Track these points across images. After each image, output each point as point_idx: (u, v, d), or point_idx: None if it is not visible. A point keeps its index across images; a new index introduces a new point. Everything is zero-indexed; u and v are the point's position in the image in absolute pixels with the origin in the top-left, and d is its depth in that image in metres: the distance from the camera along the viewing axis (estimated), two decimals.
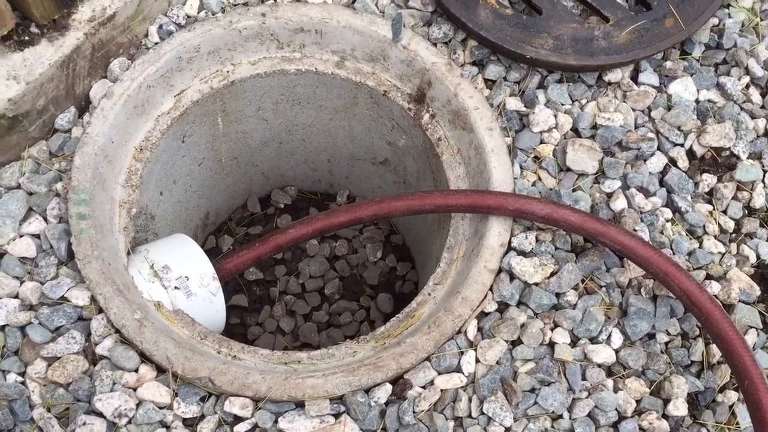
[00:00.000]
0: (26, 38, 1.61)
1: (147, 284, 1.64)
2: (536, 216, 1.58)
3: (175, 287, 1.66)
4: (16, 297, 1.54)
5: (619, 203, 1.66)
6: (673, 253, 1.64)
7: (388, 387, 1.50)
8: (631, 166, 1.71)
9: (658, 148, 1.74)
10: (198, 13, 1.84)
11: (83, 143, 1.65)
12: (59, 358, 1.49)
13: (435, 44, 1.86)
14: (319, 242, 2.42)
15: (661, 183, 1.72)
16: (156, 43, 1.79)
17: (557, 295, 1.58)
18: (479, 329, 1.56)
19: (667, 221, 1.68)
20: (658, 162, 1.72)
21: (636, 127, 1.77)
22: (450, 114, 1.82)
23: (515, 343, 1.55)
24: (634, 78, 1.83)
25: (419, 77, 1.85)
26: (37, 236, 1.60)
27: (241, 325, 2.30)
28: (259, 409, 1.47)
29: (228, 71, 1.87)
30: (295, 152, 2.31)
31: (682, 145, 1.74)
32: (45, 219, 1.62)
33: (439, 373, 1.52)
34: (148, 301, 1.61)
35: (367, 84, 1.90)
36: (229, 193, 2.36)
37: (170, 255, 1.71)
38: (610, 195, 1.69)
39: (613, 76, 1.81)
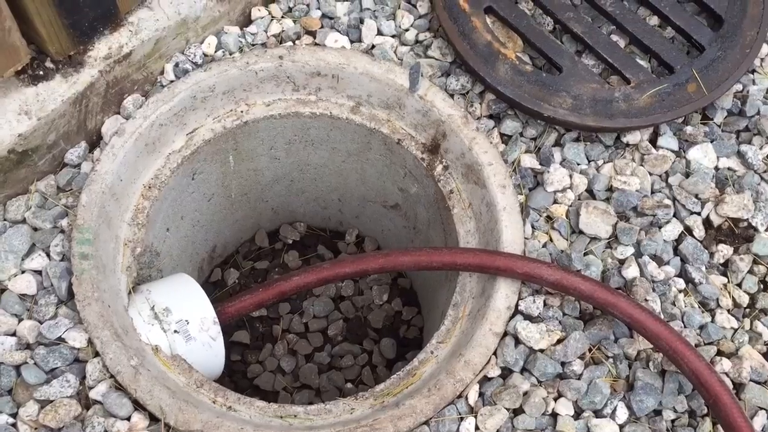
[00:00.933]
0: (40, 73, 1.60)
1: (146, 327, 1.62)
2: (545, 281, 1.55)
3: (175, 331, 1.63)
4: (14, 335, 1.52)
5: (632, 271, 1.62)
6: (684, 326, 1.60)
7: None
8: (645, 233, 1.68)
9: (674, 216, 1.70)
10: (215, 52, 1.83)
11: (91, 181, 1.63)
12: (52, 401, 1.46)
13: (452, 95, 1.83)
14: None
15: (676, 252, 1.68)
16: (171, 81, 1.78)
17: (563, 363, 1.54)
18: (481, 395, 1.52)
19: (680, 292, 1.64)
20: (673, 230, 1.68)
21: (652, 192, 1.73)
22: (463, 167, 1.80)
23: (517, 412, 1.51)
24: (653, 141, 1.79)
25: (434, 128, 1.82)
26: (39, 272, 1.58)
27: (242, 362, 2.27)
28: None
29: (242, 111, 1.86)
30: (306, 190, 2.29)
31: (699, 214, 1.70)
32: (48, 255, 1.60)
33: None
34: (146, 344, 1.59)
35: (381, 131, 1.88)
36: (237, 227, 2.34)
37: (171, 297, 1.68)
38: (622, 262, 1.65)
39: (631, 137, 1.78)
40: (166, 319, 1.64)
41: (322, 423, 1.54)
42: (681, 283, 1.65)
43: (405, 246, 2.30)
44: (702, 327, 1.61)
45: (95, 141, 1.74)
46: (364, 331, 2.32)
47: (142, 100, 1.75)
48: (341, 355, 2.27)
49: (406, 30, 1.90)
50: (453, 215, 1.80)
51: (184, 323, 1.65)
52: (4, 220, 1.63)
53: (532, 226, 1.70)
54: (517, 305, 1.60)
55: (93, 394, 1.47)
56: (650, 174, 1.75)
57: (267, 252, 2.45)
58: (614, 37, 1.86)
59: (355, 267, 1.70)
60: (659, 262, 1.66)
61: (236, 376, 2.25)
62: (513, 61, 1.76)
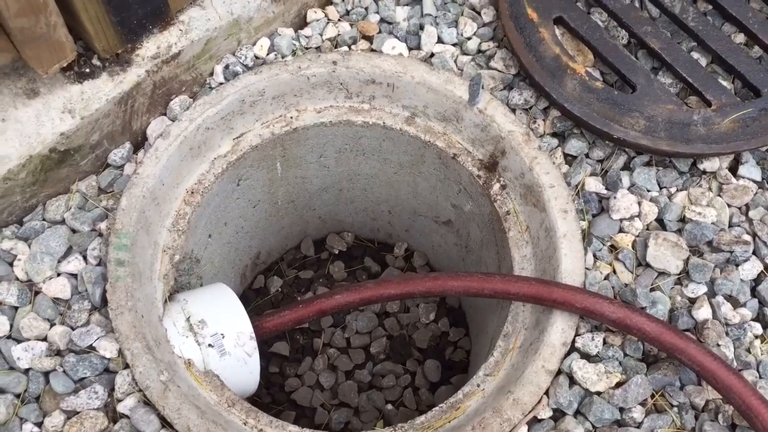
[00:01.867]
0: (86, 70, 1.55)
1: (180, 338, 1.55)
2: (607, 319, 1.42)
3: (209, 345, 1.56)
4: (45, 340, 1.47)
5: (703, 312, 1.48)
6: (760, 377, 1.45)
7: None
8: (720, 271, 1.53)
9: (754, 253, 1.55)
10: (267, 55, 1.75)
11: (132, 184, 1.57)
12: (78, 413, 1.40)
13: (514, 110, 1.72)
14: None
15: (753, 293, 1.53)
16: (220, 83, 1.71)
17: (621, 409, 1.41)
18: None
19: (756, 338, 1.49)
20: (752, 269, 1.53)
21: (730, 226, 1.59)
22: (522, 188, 1.68)
23: None
24: (734, 170, 1.64)
25: (493, 144, 1.71)
26: (75, 276, 1.53)
27: (280, 374, 2.19)
28: None
29: (292, 117, 1.78)
30: (355, 200, 2.20)
31: None
32: (85, 259, 1.55)
33: None
34: (179, 357, 1.52)
35: (436, 144, 1.78)
36: (283, 234, 2.27)
37: (208, 308, 1.61)
38: (693, 301, 1.51)
39: (709, 165, 1.63)
40: (201, 332, 1.57)
41: None
42: (758, 328, 1.50)
43: (456, 264, 2.19)
44: None
45: (140, 142, 1.68)
46: (408, 351, 2.21)
47: (189, 102, 1.69)
48: (383, 375, 2.17)
49: (469, 39, 1.79)
50: (509, 238, 1.68)
51: (220, 337, 1.58)
52: (43, 220, 1.58)
53: (594, 256, 1.57)
54: (573, 341, 1.48)
55: (121, 408, 1.41)
56: (729, 206, 1.60)
57: (312, 261, 2.38)
58: (695, 55, 1.71)
59: (400, 289, 1.60)
60: (735, 303, 1.51)
61: (273, 389, 2.17)
62: (582, 77, 1.64)
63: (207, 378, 1.51)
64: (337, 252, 2.37)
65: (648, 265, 1.55)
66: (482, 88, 1.72)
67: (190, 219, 1.67)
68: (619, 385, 1.43)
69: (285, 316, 1.68)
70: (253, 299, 2.31)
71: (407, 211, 2.18)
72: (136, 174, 1.58)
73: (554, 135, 1.70)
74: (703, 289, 1.51)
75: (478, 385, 1.53)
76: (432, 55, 1.78)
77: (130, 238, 1.53)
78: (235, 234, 2.01)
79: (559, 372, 1.46)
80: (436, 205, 2.05)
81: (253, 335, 1.62)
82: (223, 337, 1.58)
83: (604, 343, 1.48)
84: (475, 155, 1.76)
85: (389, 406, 2.12)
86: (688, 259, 1.54)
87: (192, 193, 1.69)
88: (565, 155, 1.68)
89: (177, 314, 1.59)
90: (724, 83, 1.67)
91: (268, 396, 2.16)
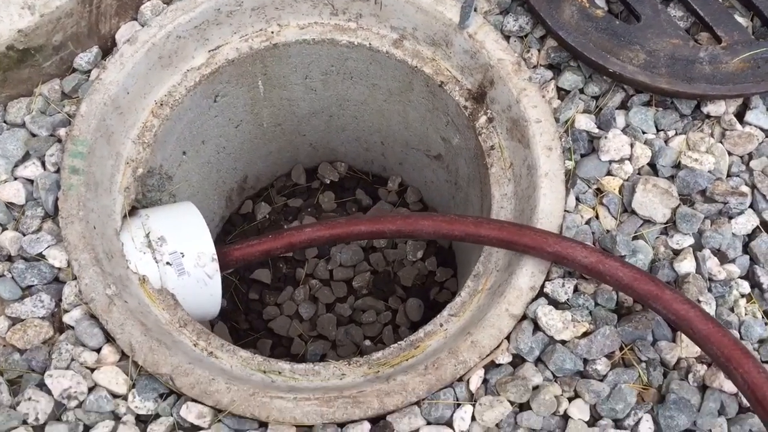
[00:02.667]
0: None
1: (137, 254, 1.50)
2: (578, 264, 1.33)
3: (167, 262, 1.51)
4: None
5: (686, 265, 1.37)
6: (741, 338, 1.35)
7: (366, 426, 1.30)
8: (711, 223, 1.42)
9: (751, 206, 1.43)
10: None
11: (94, 90, 1.50)
12: (23, 320, 1.37)
13: (508, 37, 1.59)
14: None
15: (745, 249, 1.42)
16: None
17: (585, 360, 1.33)
18: (484, 382, 1.33)
19: (742, 296, 1.38)
20: (746, 223, 1.42)
21: (728, 176, 1.46)
22: (508, 122, 1.57)
23: (523, 407, 1.31)
24: (740, 115, 1.51)
25: (482, 73, 1.59)
26: (31, 182, 1.48)
27: (259, 302, 2.15)
28: (218, 421, 1.30)
29: (273, 32, 1.68)
30: (347, 128, 2.11)
31: None
32: (43, 165, 1.49)
33: (428, 423, 1.31)
34: (133, 272, 1.47)
35: (423, 71, 1.67)
36: (271, 159, 2.19)
37: (170, 226, 1.55)
38: (677, 252, 1.41)
39: (713, 108, 1.50)
40: (159, 249, 1.51)
41: (306, 385, 1.39)
42: (745, 287, 1.39)
43: (447, 202, 2.10)
44: (762, 341, 1.36)
45: (109, 48, 1.60)
46: (391, 288, 2.15)
47: (162, 7, 1.60)
48: (364, 310, 2.12)
49: None
50: (490, 174, 1.58)
51: (179, 255, 1.52)
52: (4, 122, 1.52)
53: (577, 199, 1.47)
54: (543, 286, 1.39)
55: (67, 319, 1.37)
56: (729, 153, 1.47)
57: (302, 190, 2.30)
58: None
59: (370, 227, 1.52)
60: (723, 258, 1.40)
61: (252, 316, 2.13)
62: (582, 3, 1.50)
63: (161, 296, 1.46)
64: (328, 182, 2.29)
65: (633, 212, 1.44)
66: (475, 10, 1.59)
67: (158, 132, 1.60)
68: (585, 335, 1.34)
69: (254, 247, 1.61)
70: (239, 224, 2.25)
71: (399, 143, 2.08)
72: (98, 80, 1.51)
73: (549, 67, 1.58)
74: (690, 240, 1.40)
75: (441, 325, 1.45)
76: None
77: (87, 146, 1.46)
78: (215, 154, 1.93)
79: (523, 317, 1.37)
80: (427, 137, 1.94)
81: (215, 257, 1.56)
82: (183, 256, 1.52)
83: (575, 290, 1.38)
84: (464, 84, 1.65)
85: (367, 342, 2.07)
86: (677, 208, 1.42)
87: (161, 105, 1.61)
88: (559, 89, 1.56)
89: (136, 229, 1.54)
90: (741, 20, 1.52)
91: (246, 322, 2.12)
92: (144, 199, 1.68)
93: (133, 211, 1.58)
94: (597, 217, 1.46)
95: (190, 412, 1.30)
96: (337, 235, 1.56)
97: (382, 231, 1.52)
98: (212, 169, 1.97)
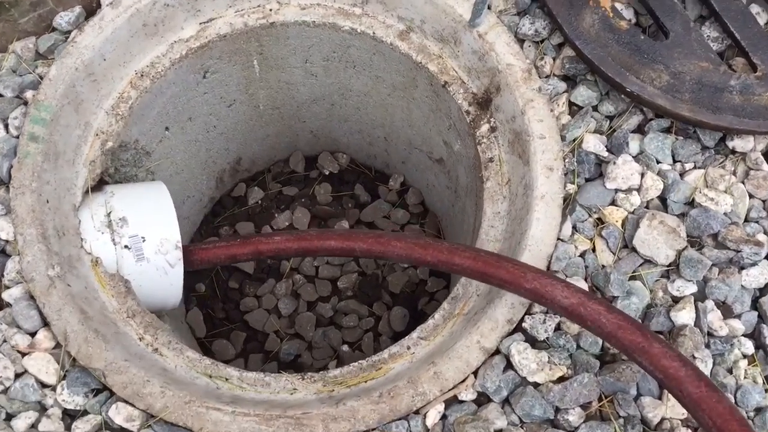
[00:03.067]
0: None
1: (94, 233, 1.40)
2: (557, 305, 1.18)
3: (126, 246, 1.40)
4: None
5: (685, 315, 1.23)
6: (735, 403, 1.20)
7: None
8: (719, 271, 1.27)
9: (766, 258, 1.28)
10: None
11: (67, 53, 1.40)
12: None
13: (522, 41, 1.45)
14: (353, 226, 2.11)
15: (754, 305, 1.27)
16: None
17: (557, 408, 1.19)
18: (443, 418, 1.21)
19: (744, 357, 1.24)
20: (759, 276, 1.26)
21: (746, 221, 1.31)
22: (511, 134, 1.43)
23: None
24: None
25: (489, 77, 1.46)
26: None
27: (239, 291, 2.05)
28: (148, 426, 1.20)
29: (271, 10, 1.56)
30: (349, 119, 1.98)
31: None
32: (6, 128, 1.39)
33: None
34: (87, 253, 1.37)
35: (428, 67, 1.53)
36: (269, 143, 2.08)
37: (135, 206, 1.45)
38: (676, 300, 1.26)
39: (741, 143, 1.34)
40: (119, 230, 1.41)
41: (252, 397, 1.28)
42: (749, 347, 1.24)
43: (447, 209, 1.97)
44: (759, 410, 1.21)
45: (94, 9, 1.49)
46: (378, 293, 2.02)
47: None
48: (346, 313, 2.00)
49: None
50: (485, 189, 1.45)
51: (139, 240, 1.41)
52: None
53: (574, 227, 1.33)
54: (521, 320, 1.26)
55: (6, 296, 1.28)
56: (750, 196, 1.32)
57: (300, 178, 2.18)
58: (754, 9, 1.40)
59: (341, 243, 1.41)
60: (727, 312, 1.25)
61: (229, 305, 2.03)
62: (606, 12, 1.35)
63: (112, 281, 1.36)
64: (327, 173, 2.17)
65: (634, 250, 1.29)
66: (489, 8, 1.45)
67: (135, 104, 1.49)
68: (561, 380, 1.21)
69: (219, 249, 1.50)
70: (230, 207, 2.14)
71: (403, 140, 1.95)
72: (73, 42, 1.41)
73: (564, 78, 1.43)
74: (692, 288, 1.26)
75: (409, 348, 1.33)
76: None
77: (52, 113, 1.36)
78: (204, 132, 1.82)
79: (496, 352, 1.24)
80: (430, 138, 1.81)
81: (180, 245, 1.45)
82: (144, 241, 1.42)
83: (557, 328, 1.25)
84: (469, 87, 1.51)
85: (345, 347, 1.96)
86: (683, 250, 1.27)
87: (141, 75, 1.50)
88: (570, 104, 1.42)
89: (98, 206, 1.43)
90: None
91: (223, 311, 2.02)
92: (117, 173, 1.58)
93: (99, 187, 1.47)
94: (593, 250, 1.31)
95: (119, 414, 1.20)
96: (306, 248, 1.45)
97: (351, 248, 1.41)
98: (200, 148, 1.86)
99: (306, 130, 2.06)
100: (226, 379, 1.30)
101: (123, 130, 1.48)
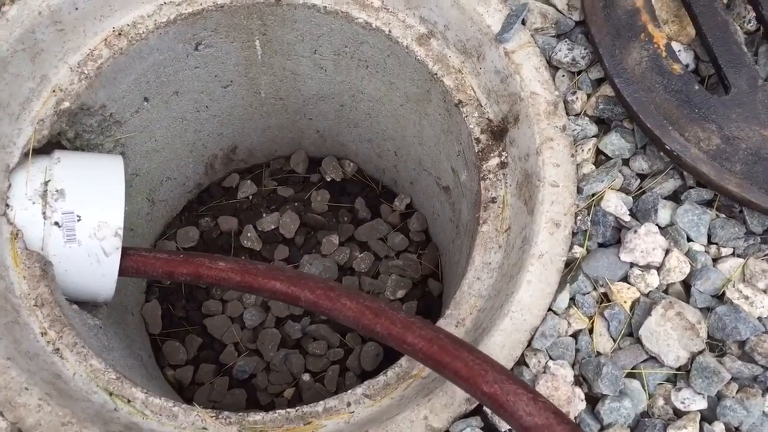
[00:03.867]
0: None
1: (24, 201, 1.21)
2: (516, 422, 0.93)
3: (56, 222, 1.22)
4: None
5: None
6: None
7: None
8: (738, 389, 1.02)
9: None
10: None
11: None
12: None
13: (556, 68, 1.23)
14: (343, 243, 1.89)
15: None
16: None
17: None
18: None
19: None
20: None
21: None
22: (521, 174, 1.20)
23: None
24: None
25: (509, 104, 1.23)
26: None
27: (205, 291, 1.85)
28: None
29: None
30: (359, 125, 1.77)
31: None
32: None
33: None
34: (8, 223, 1.19)
35: (443, 81, 1.32)
36: (269, 135, 1.88)
37: (78, 179, 1.26)
38: (679, 414, 1.02)
39: None
40: (53, 203, 1.22)
41: (153, 428, 1.08)
42: None
43: (448, 243, 1.74)
44: None
45: None
46: None
47: None
48: (315, 338, 1.78)
49: None
50: (479, 233, 1.22)
51: (74, 218, 1.23)
52: None
53: (573, 300, 1.09)
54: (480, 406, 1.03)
55: None
56: None
57: (298, 180, 1.98)
58: None
59: (286, 287, 1.22)
60: None
61: (192, 305, 1.83)
62: (658, 49, 1.12)
63: (28, 260, 1.17)
64: (329, 179, 1.96)
65: (639, 341, 1.06)
66: (523, 23, 1.23)
67: (105, 65, 1.31)
68: None
69: (154, 261, 1.31)
70: (218, 196, 1.95)
71: (413, 158, 1.73)
72: None
73: (597, 121, 1.21)
74: (701, 404, 1.01)
75: (349, 405, 1.11)
76: None
77: (0, 58, 1.18)
78: (194, 112, 1.64)
79: None
80: (439, 162, 1.59)
81: (121, 232, 1.26)
82: (79, 220, 1.23)
83: None
84: (485, 111, 1.29)
85: (306, 377, 1.74)
86: (699, 353, 1.03)
87: (119, 34, 1.32)
88: (598, 152, 1.19)
89: (37, 172, 1.25)
90: None
91: (183, 310, 1.83)
92: (78, 139, 1.40)
93: (48, 150, 1.29)
94: (591, 331, 1.08)
95: None
96: (248, 285, 1.26)
97: (296, 296, 1.21)
98: (188, 127, 1.67)
99: (312, 128, 1.86)
100: (129, 401, 1.10)
101: (86, 92, 1.30)
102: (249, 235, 1.88)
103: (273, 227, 1.90)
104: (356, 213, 1.94)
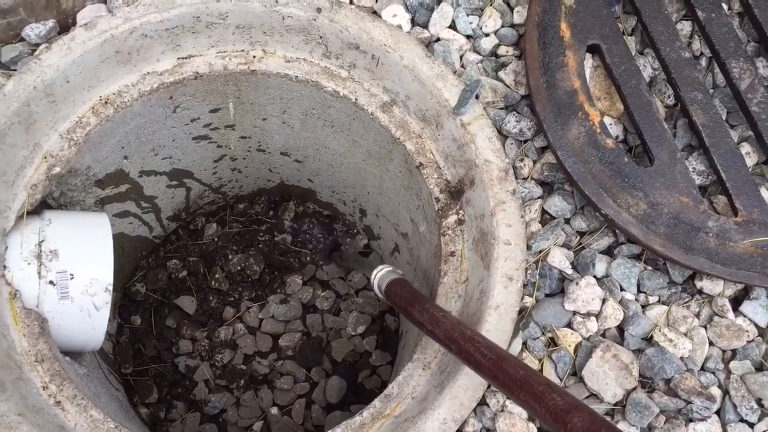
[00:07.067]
0: None
1: (20, 263, 1.30)
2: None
3: (51, 281, 1.31)
4: None
5: None
6: None
7: None
8: (665, 420, 1.20)
9: (717, 414, 1.21)
10: None
11: (28, 69, 1.32)
12: None
13: (505, 137, 1.39)
14: (307, 282, 2.02)
15: None
16: None
17: None
18: None
19: None
20: None
21: (702, 369, 1.24)
22: (477, 231, 1.36)
23: None
24: (737, 301, 1.29)
25: (465, 168, 1.39)
26: None
27: (175, 331, 1.94)
28: None
29: (255, 57, 1.49)
30: (321, 174, 1.91)
31: (752, 427, 1.20)
32: None
33: None
34: (6, 284, 1.27)
35: (405, 145, 1.47)
36: (236, 181, 1.99)
37: (69, 239, 1.36)
38: None
39: (710, 285, 1.28)
40: (47, 264, 1.32)
41: None
42: None
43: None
44: None
45: (69, 26, 1.42)
46: (319, 357, 1.93)
47: None
48: (282, 373, 1.91)
49: (486, 35, 1.46)
50: (440, 284, 1.37)
51: (67, 277, 1.32)
52: None
53: (525, 344, 1.26)
54: None
55: None
56: (711, 344, 1.26)
57: (262, 222, 2.10)
58: (744, 149, 1.35)
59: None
60: None
61: (163, 344, 1.93)
62: (593, 126, 1.30)
63: (27, 319, 1.26)
64: (292, 222, 2.09)
65: (582, 380, 1.22)
66: (476, 98, 1.39)
67: (93, 132, 1.40)
68: None
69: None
70: (185, 237, 2.05)
71: (372, 205, 1.88)
72: (36, 59, 1.32)
73: (541, 183, 1.37)
74: None
75: None
76: (437, 39, 1.46)
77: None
78: (169, 166, 1.74)
79: None
80: (398, 212, 1.74)
81: (110, 288, 1.36)
82: (72, 278, 1.33)
83: None
84: (444, 174, 1.44)
85: (274, 410, 1.86)
86: (632, 390, 1.20)
87: (105, 103, 1.42)
88: (543, 212, 1.35)
89: (30, 234, 1.34)
90: (767, 196, 1.30)
91: (155, 349, 1.92)
92: (63, 197, 1.49)
93: (38, 210, 1.38)
94: (540, 371, 1.24)
95: None
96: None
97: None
98: (164, 180, 1.77)
99: (277, 176, 1.99)
100: None
101: (75, 157, 1.40)
102: (217, 276, 1.99)
103: (239, 268, 2.01)
104: (319, 253, 2.07)
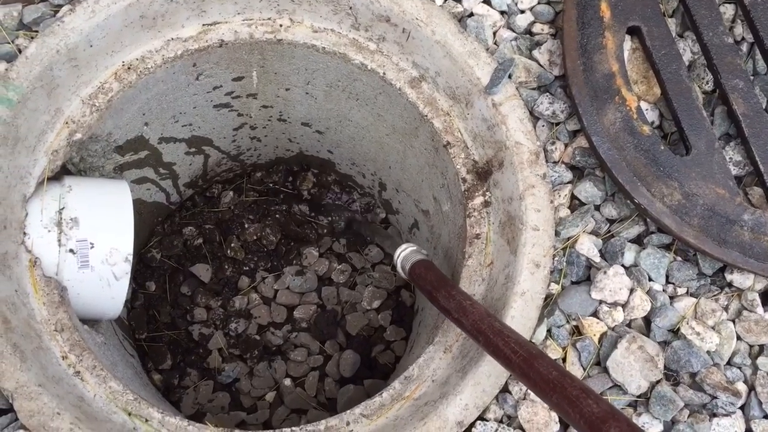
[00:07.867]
0: None
1: (40, 230, 1.28)
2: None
3: (71, 250, 1.29)
4: None
5: None
6: None
7: None
8: (689, 414, 1.19)
9: (741, 409, 1.20)
10: None
11: (51, 32, 1.28)
12: None
13: (537, 119, 1.36)
14: (323, 254, 2.01)
15: None
16: None
17: None
18: None
19: None
20: (730, 428, 1.18)
21: (728, 364, 1.23)
22: (504, 215, 1.34)
23: None
24: (767, 297, 1.27)
25: (494, 150, 1.36)
26: None
27: (189, 299, 1.93)
28: None
29: (281, 26, 1.45)
30: (341, 146, 1.88)
31: None
32: None
33: None
34: (26, 250, 1.26)
35: (432, 122, 1.43)
36: (255, 149, 1.97)
37: (90, 207, 1.34)
38: None
39: (740, 279, 1.26)
40: (68, 231, 1.30)
41: None
42: None
43: None
44: None
45: None
46: (333, 331, 1.92)
47: None
48: (296, 345, 1.90)
49: (522, 12, 1.41)
50: (464, 267, 1.35)
51: (87, 245, 1.31)
52: None
53: (549, 332, 1.24)
54: (472, 425, 1.17)
55: None
56: (738, 338, 1.24)
57: (280, 192, 2.07)
58: None
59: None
60: None
61: (177, 311, 1.92)
62: (629, 112, 1.26)
63: (47, 287, 1.25)
64: (310, 192, 2.06)
65: (606, 371, 1.21)
66: (509, 77, 1.35)
67: (115, 98, 1.37)
68: None
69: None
70: (200, 204, 2.03)
71: (393, 180, 1.85)
72: (60, 22, 1.29)
73: (571, 168, 1.34)
74: (658, 427, 1.17)
75: (348, 424, 1.23)
76: (471, 14, 1.41)
77: (21, 94, 1.25)
78: (188, 133, 1.71)
79: None
80: (420, 189, 1.71)
81: (131, 258, 1.35)
82: (92, 247, 1.31)
83: None
84: (471, 153, 1.41)
85: (288, 381, 1.86)
86: (657, 383, 1.19)
87: (128, 68, 1.39)
88: (573, 197, 1.33)
89: (51, 201, 1.32)
90: None
91: (169, 316, 1.91)
92: (82, 162, 1.47)
93: (58, 176, 1.36)
94: (564, 360, 1.23)
95: None
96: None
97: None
98: (180, 146, 1.75)
99: (296, 146, 1.96)
100: (146, 420, 1.20)
101: (96, 123, 1.37)
102: (233, 245, 1.97)
103: (255, 238, 1.99)
104: (336, 226, 2.05)
